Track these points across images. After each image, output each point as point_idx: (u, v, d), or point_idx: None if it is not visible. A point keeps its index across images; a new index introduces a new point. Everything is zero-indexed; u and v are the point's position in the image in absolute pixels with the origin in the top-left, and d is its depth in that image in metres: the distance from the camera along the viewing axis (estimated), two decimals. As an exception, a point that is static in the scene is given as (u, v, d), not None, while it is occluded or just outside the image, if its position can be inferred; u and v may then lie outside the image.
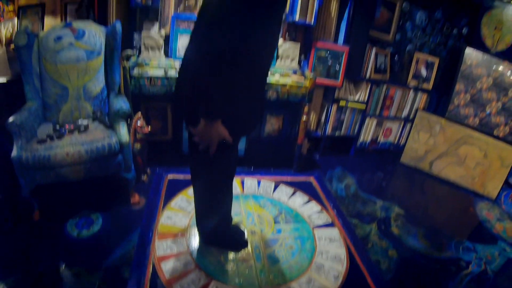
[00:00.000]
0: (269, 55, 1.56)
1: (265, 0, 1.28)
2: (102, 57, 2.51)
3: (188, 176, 2.62)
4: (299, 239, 2.33)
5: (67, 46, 2.43)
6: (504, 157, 3.52)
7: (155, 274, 1.92)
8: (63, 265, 1.93)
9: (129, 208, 2.46)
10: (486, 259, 2.58)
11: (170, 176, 2.87)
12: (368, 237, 2.53)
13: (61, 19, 2.99)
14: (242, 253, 2.16)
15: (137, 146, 2.58)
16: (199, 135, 1.46)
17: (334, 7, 3.14)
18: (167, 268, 1.97)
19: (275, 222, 2.48)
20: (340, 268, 2.15)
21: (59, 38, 2.43)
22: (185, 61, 1.52)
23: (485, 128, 3.64)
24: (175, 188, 2.70)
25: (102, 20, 2.78)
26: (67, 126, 2.31)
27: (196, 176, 1.85)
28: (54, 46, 2.41)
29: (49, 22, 2.98)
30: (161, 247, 2.12)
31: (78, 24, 2.53)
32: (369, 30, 3.33)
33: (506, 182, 3.55)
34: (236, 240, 2.23)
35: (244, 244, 2.22)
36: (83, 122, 2.40)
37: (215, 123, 1.41)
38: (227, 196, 1.98)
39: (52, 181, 2.12)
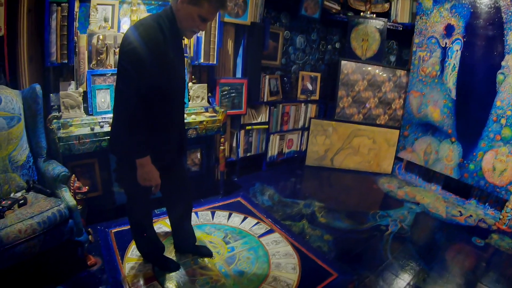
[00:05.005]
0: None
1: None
2: (22, 123, 2.42)
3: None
4: (252, 250, 2.66)
5: (-16, 116, 2.23)
6: (389, 139, 4.38)
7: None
8: None
9: (89, 271, 2.43)
10: (399, 219, 3.29)
11: (114, 230, 2.89)
12: (304, 231, 2.98)
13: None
14: (213, 276, 2.37)
15: (79, 207, 2.56)
16: (141, 179, 1.79)
17: (230, 46, 3.63)
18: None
19: (226, 243, 2.75)
20: (294, 261, 2.56)
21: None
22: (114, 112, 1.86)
23: (369, 120, 4.47)
24: (124, 240, 2.75)
25: (13, 83, 2.64)
26: (3, 203, 2.17)
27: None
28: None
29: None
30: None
31: (-7, 90, 2.33)
32: (260, 61, 3.88)
33: (396, 157, 4.42)
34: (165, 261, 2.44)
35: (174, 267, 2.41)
36: (17, 195, 2.30)
37: (145, 163, 1.75)
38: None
39: (7, 265, 1.99)
